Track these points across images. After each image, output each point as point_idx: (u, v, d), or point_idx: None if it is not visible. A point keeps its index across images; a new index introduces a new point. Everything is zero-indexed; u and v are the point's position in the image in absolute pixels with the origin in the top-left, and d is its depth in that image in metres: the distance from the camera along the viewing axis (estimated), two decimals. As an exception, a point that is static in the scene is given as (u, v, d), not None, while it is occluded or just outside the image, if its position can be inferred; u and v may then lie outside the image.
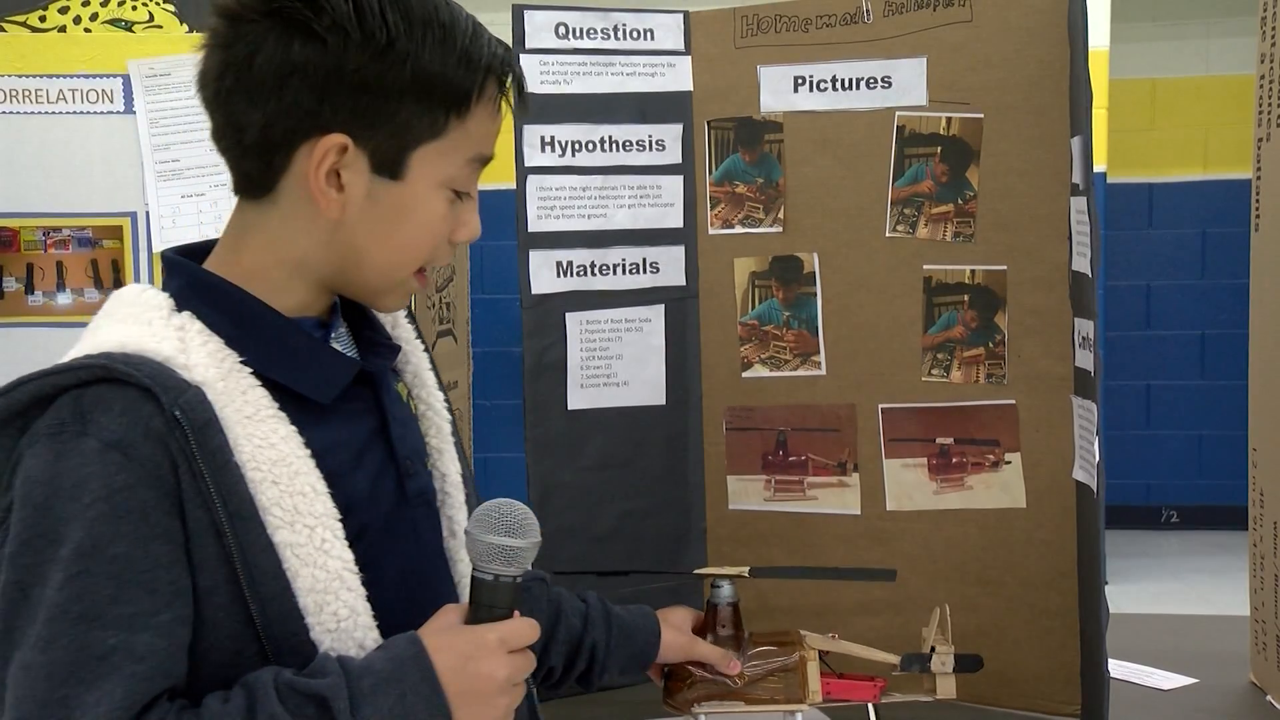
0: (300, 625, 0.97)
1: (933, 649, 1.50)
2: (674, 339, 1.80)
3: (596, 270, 1.78)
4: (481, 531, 1.03)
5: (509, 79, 1.05)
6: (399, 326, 1.19)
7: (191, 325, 0.99)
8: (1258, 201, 1.75)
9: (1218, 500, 5.83)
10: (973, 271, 1.70)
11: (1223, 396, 5.80)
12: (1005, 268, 1.69)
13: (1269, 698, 1.70)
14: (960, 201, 1.70)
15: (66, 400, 0.94)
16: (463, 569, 1.15)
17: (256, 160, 1.01)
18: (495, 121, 1.06)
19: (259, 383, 1.00)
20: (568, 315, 1.77)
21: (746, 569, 1.51)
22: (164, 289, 1.04)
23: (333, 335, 1.10)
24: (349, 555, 1.00)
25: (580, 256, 1.77)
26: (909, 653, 1.47)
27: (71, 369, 0.95)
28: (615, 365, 1.78)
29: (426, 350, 1.22)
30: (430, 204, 1.04)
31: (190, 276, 1.04)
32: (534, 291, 1.76)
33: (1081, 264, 1.51)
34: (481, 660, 0.99)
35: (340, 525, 1.00)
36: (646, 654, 1.40)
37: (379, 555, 1.04)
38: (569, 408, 1.76)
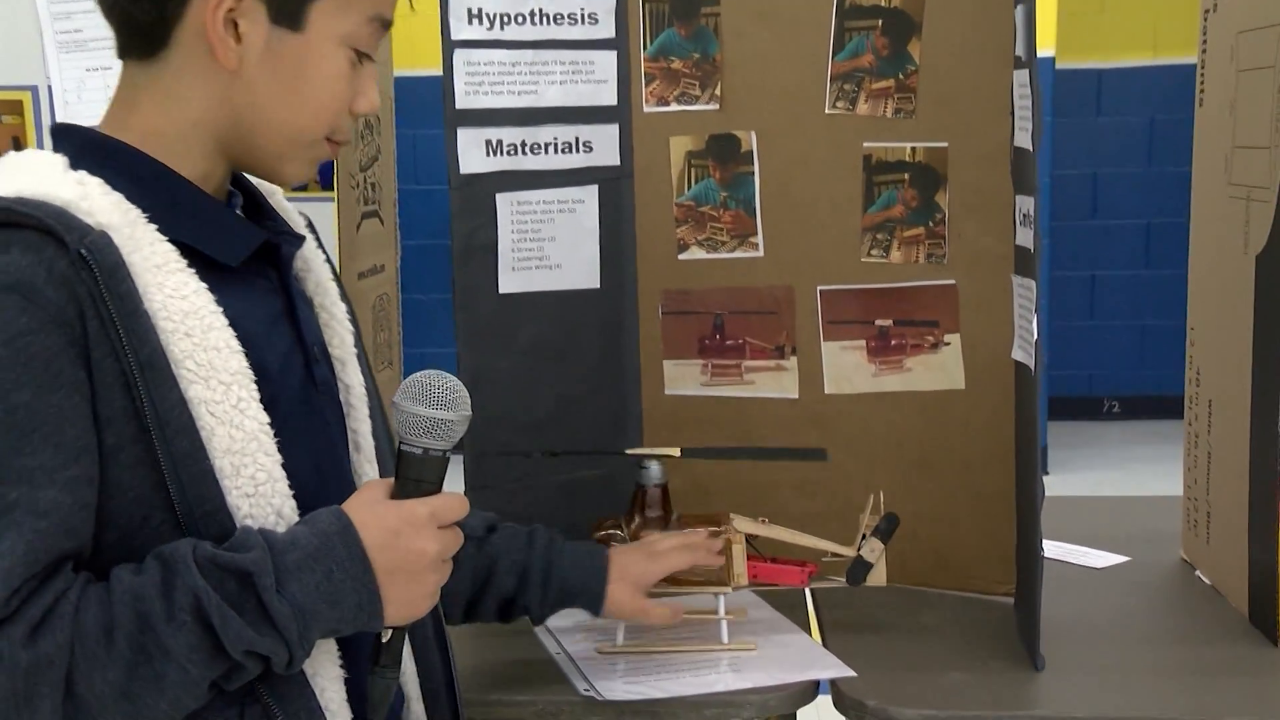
0: (215, 489, 0.93)
1: (864, 537, 1.49)
2: (608, 220, 1.75)
3: (527, 149, 1.72)
4: (411, 404, 0.98)
5: None
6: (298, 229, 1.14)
7: (90, 180, 0.94)
8: (1203, 76, 1.71)
9: (1160, 390, 5.90)
10: (913, 149, 1.66)
11: (1167, 286, 5.82)
12: (946, 144, 1.65)
13: (1198, 573, 1.72)
14: (901, 76, 1.65)
15: None
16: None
17: (150, 9, 0.97)
18: None
19: (165, 239, 0.95)
20: (498, 196, 1.71)
21: (677, 450, 1.49)
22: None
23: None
24: (265, 417, 0.96)
25: (510, 135, 1.71)
26: (852, 565, 1.49)
27: None
28: (548, 247, 1.73)
29: (328, 261, 1.18)
30: (331, 59, 1.01)
31: (82, 139, 0.99)
32: (462, 171, 1.70)
33: (1023, 139, 1.47)
34: (412, 535, 0.96)
35: (256, 387, 0.96)
36: (589, 610, 1.38)
37: (291, 432, 0.99)
38: (500, 291, 1.72)
